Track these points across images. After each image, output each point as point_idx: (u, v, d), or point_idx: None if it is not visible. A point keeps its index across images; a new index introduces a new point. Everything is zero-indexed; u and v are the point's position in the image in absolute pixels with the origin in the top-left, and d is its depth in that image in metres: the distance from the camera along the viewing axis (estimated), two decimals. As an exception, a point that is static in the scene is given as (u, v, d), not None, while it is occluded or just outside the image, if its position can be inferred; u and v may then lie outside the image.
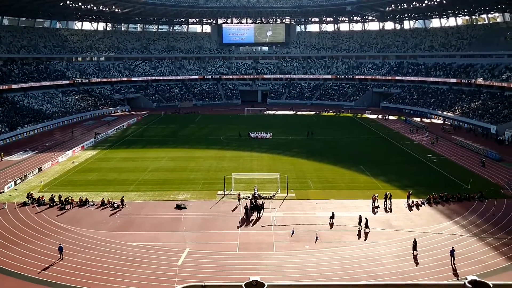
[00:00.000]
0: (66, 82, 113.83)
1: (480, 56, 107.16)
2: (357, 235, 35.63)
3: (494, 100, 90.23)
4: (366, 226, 36.30)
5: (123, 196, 43.48)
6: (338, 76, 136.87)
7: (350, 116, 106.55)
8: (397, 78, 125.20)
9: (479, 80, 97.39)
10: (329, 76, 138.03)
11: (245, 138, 76.91)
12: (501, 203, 42.37)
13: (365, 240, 34.75)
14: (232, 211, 41.41)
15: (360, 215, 37.20)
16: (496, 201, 42.83)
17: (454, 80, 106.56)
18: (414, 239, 32.09)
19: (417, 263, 30.29)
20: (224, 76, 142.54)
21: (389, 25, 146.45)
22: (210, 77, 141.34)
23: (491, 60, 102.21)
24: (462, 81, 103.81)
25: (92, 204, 43.08)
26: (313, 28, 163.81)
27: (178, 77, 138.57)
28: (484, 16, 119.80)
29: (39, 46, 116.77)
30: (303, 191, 46.93)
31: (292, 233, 35.63)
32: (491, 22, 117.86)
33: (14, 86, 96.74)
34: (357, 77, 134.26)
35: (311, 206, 42.43)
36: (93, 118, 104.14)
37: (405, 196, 43.33)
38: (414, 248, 31.64)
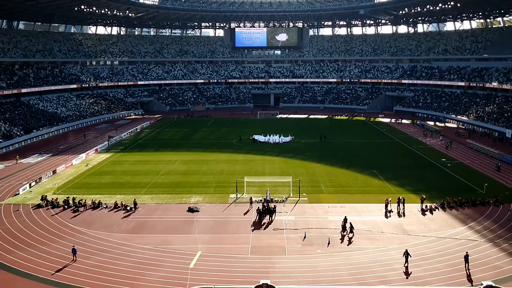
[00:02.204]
0: (81, 85, 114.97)
1: (495, 60, 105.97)
2: (340, 239, 35.29)
3: (510, 104, 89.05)
4: (351, 231, 35.95)
5: (135, 199, 43.72)
6: (351, 80, 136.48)
7: (363, 119, 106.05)
8: (410, 81, 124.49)
9: (494, 84, 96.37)
10: (342, 80, 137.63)
11: (246, 141, 76.90)
12: (517, 208, 41.78)
13: (348, 245, 34.36)
14: (244, 214, 41.41)
15: (345, 216, 37.04)
16: (511, 206, 42.22)
17: (469, 84, 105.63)
18: (406, 250, 30.83)
19: (408, 275, 29.21)
20: (237, 80, 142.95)
21: (402, 29, 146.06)
22: (223, 80, 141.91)
23: (506, 64, 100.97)
24: (477, 84, 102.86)
25: (105, 206, 43.41)
26: (326, 31, 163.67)
27: (191, 81, 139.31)
28: (499, 19, 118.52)
29: (54, 50, 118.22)
30: (315, 194, 46.74)
31: (304, 237, 35.54)
32: (506, 25, 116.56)
33: (29, 89, 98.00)
34: (370, 80, 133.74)
35: (324, 210, 42.25)
36: (106, 121, 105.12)
37: (419, 200, 42.94)
38: (406, 260, 30.42)
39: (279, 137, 77.72)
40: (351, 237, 35.57)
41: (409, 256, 30.24)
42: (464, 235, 35.71)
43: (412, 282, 28.28)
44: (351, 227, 36.04)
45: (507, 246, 33.23)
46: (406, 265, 30.18)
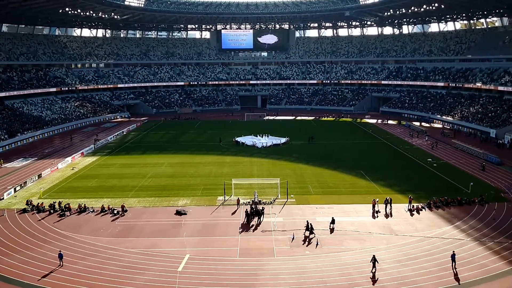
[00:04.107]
0: (66, 88, 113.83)
1: (478, 60, 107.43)
2: (303, 241, 35.35)
3: (493, 104, 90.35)
4: (311, 232, 36.06)
5: (123, 204, 43.15)
6: (338, 81, 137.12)
7: (350, 121, 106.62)
8: (396, 82, 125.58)
9: (478, 84, 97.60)
10: (328, 81, 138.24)
11: (228, 144, 76.57)
12: (502, 207, 42.33)
13: (307, 245, 34.43)
14: (232, 214, 41.68)
15: (307, 221, 37.06)
16: (496, 205, 42.79)
17: (448, 84, 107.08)
18: (373, 255, 30.26)
19: (374, 281, 28.75)
20: (224, 82, 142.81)
21: (387, 30, 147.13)
22: (209, 82, 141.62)
23: (489, 64, 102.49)
24: (456, 85, 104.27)
25: (92, 210, 42.96)
26: (312, 33, 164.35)
27: (178, 83, 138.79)
28: (482, 20, 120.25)
29: (38, 53, 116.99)
30: (303, 196, 46.84)
31: (293, 238, 35.55)
32: (489, 26, 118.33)
33: (13, 93, 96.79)
34: (356, 82, 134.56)
35: (312, 211, 42.32)
36: (92, 124, 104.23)
37: (406, 200, 43.30)
38: (374, 265, 29.89)
39: (277, 138, 77.41)
40: (311, 238, 35.68)
41: (376, 262, 29.95)
42: (450, 234, 36.05)
43: (400, 282, 28.46)
44: (311, 228, 36.14)
45: (492, 245, 33.63)
46: (373, 270, 29.83)
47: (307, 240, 35.42)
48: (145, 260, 32.13)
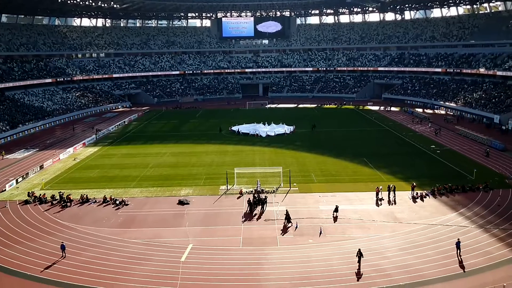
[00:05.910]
0: (67, 79, 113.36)
1: (482, 46, 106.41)
2: (281, 230, 35.19)
3: (497, 90, 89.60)
4: (288, 221, 35.96)
5: (123, 198, 42.77)
6: (339, 68, 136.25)
7: (352, 108, 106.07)
8: (398, 69, 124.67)
9: (481, 70, 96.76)
10: (330, 68, 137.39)
11: (230, 133, 76.33)
12: (506, 193, 42.05)
13: (282, 234, 34.33)
14: (237, 198, 42.11)
15: (286, 210, 37.04)
16: (501, 192, 42.52)
17: (455, 70, 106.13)
18: (359, 249, 29.09)
19: (359, 277, 27.89)
20: (225, 70, 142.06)
21: (389, 16, 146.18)
22: (210, 71, 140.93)
23: (493, 50, 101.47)
24: (464, 71, 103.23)
25: (94, 201, 42.85)
26: (313, 20, 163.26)
27: (179, 72, 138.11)
28: (485, 5, 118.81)
29: (38, 43, 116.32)
30: (306, 184, 46.61)
31: (296, 227, 35.36)
32: (492, 11, 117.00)
33: (14, 84, 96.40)
34: (358, 68, 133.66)
35: (315, 199, 42.12)
36: (94, 114, 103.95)
37: (409, 188, 43.00)
38: (359, 259, 28.84)
39: (284, 126, 76.81)
40: (289, 227, 35.60)
41: (362, 257, 28.84)
42: (455, 221, 35.81)
43: (404, 271, 28.25)
44: (289, 217, 36.11)
45: (497, 232, 33.39)
46: (358, 266, 28.79)
47: (285, 228, 35.34)
48: (148, 250, 32.01)
